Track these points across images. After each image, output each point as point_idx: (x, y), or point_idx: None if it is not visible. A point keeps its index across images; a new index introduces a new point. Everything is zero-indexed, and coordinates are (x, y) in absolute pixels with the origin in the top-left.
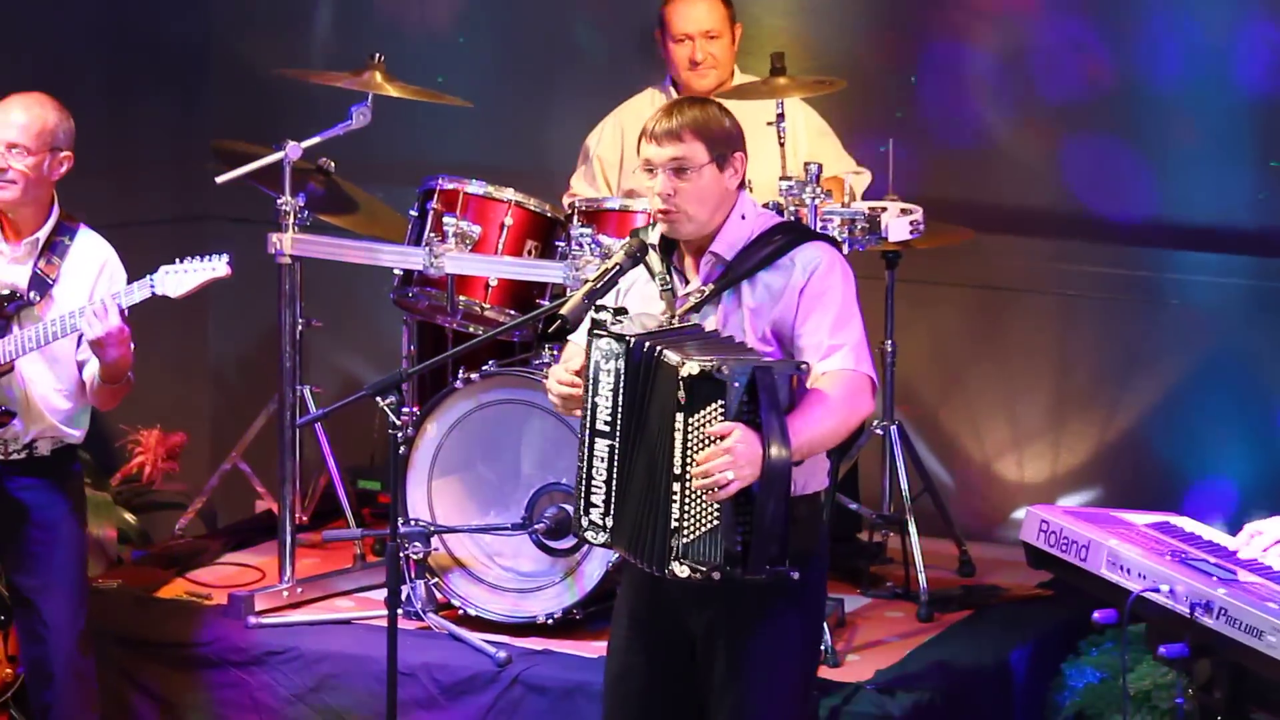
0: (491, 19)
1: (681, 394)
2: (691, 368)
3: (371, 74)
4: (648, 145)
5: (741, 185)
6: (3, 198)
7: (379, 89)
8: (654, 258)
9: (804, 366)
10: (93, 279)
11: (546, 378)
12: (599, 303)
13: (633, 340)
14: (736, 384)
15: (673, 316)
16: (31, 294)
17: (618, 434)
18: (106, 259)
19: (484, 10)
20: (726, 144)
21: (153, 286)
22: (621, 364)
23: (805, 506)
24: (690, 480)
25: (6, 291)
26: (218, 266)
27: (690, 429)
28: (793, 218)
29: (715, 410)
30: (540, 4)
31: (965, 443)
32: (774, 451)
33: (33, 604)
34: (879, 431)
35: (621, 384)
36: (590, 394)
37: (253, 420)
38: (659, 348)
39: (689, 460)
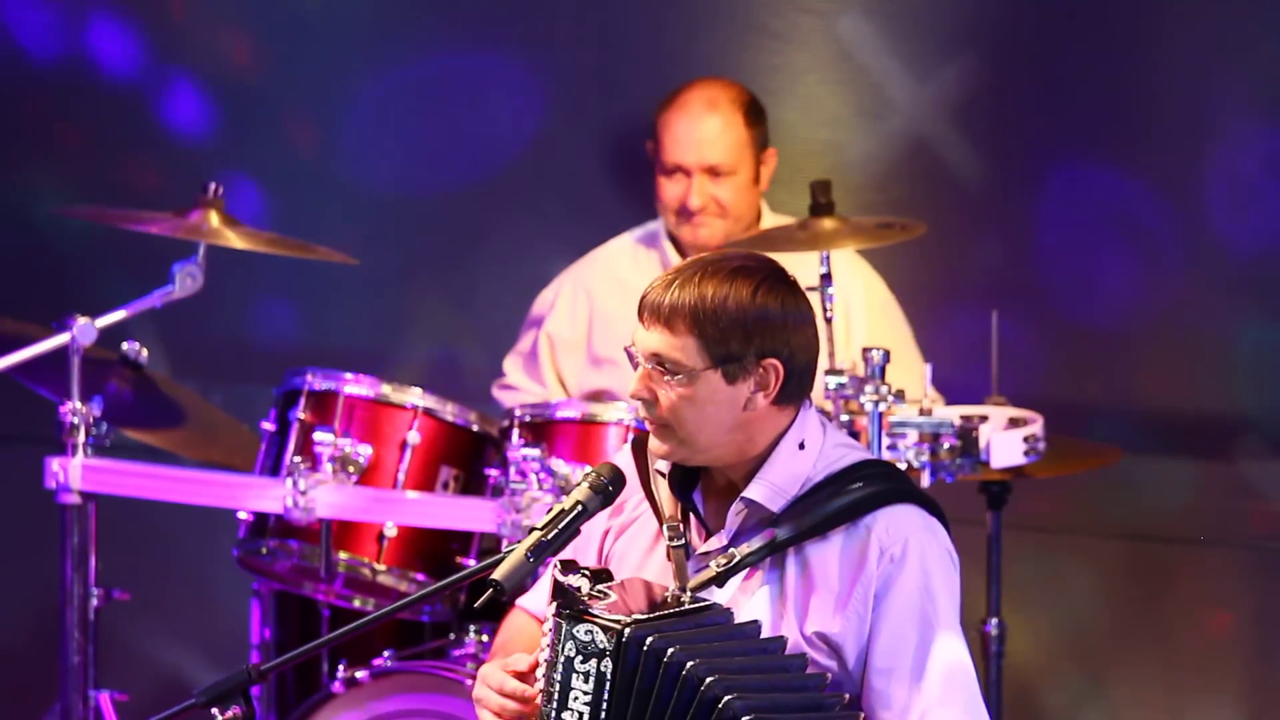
0: (391, 133)
1: None
2: None
3: (204, 215)
4: (638, 321)
5: (798, 398)
6: None
7: (215, 238)
8: (664, 490)
9: None
10: None
11: (473, 678)
12: (563, 559)
13: (629, 632)
14: None
15: (681, 590)
16: None
17: None
18: None
19: (379, 120)
20: (743, 342)
21: None
22: (609, 666)
23: None
24: None
25: None
26: None
27: None
28: (844, 429)
29: None
30: (468, 111)
31: None
32: None
33: None
34: None
35: (608, 696)
36: (554, 704)
37: None
38: (700, 670)
39: None
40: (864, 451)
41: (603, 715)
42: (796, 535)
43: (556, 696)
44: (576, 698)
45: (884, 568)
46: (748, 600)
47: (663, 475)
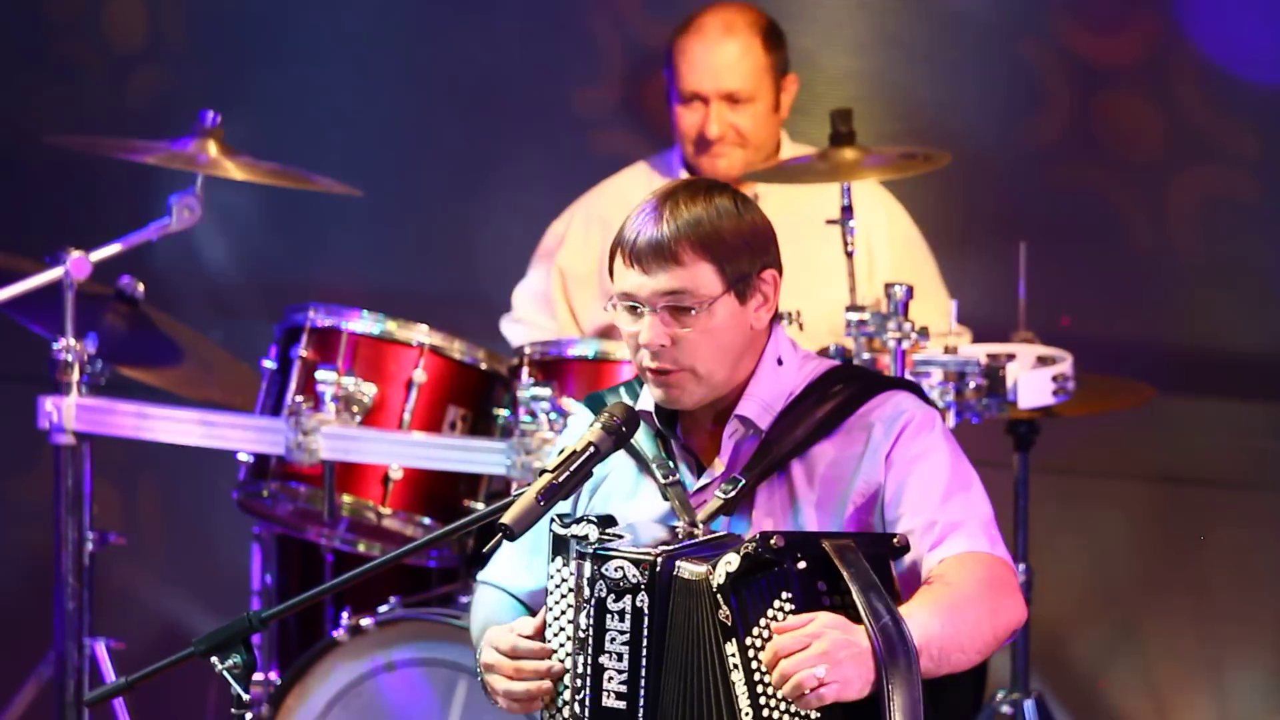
0: (395, 58)
1: (725, 613)
2: (726, 564)
3: (202, 144)
4: (626, 269)
5: (776, 317)
6: None
7: (214, 169)
8: (642, 432)
9: (899, 540)
10: None
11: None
12: (558, 513)
13: (661, 560)
14: (801, 564)
15: (691, 524)
16: None
17: (640, 711)
18: None
19: (382, 45)
20: (750, 257)
21: None
22: (645, 600)
23: None
24: None
25: None
26: None
27: (750, 653)
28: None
29: (780, 610)
30: (475, 34)
31: None
32: (886, 644)
33: None
34: (1006, 710)
35: (648, 631)
36: (588, 651)
37: (14, 692)
38: (675, 560)
39: (760, 701)
40: (832, 360)
41: (644, 652)
42: (795, 446)
43: (591, 643)
44: (613, 639)
45: (891, 435)
46: (760, 519)
47: (644, 417)
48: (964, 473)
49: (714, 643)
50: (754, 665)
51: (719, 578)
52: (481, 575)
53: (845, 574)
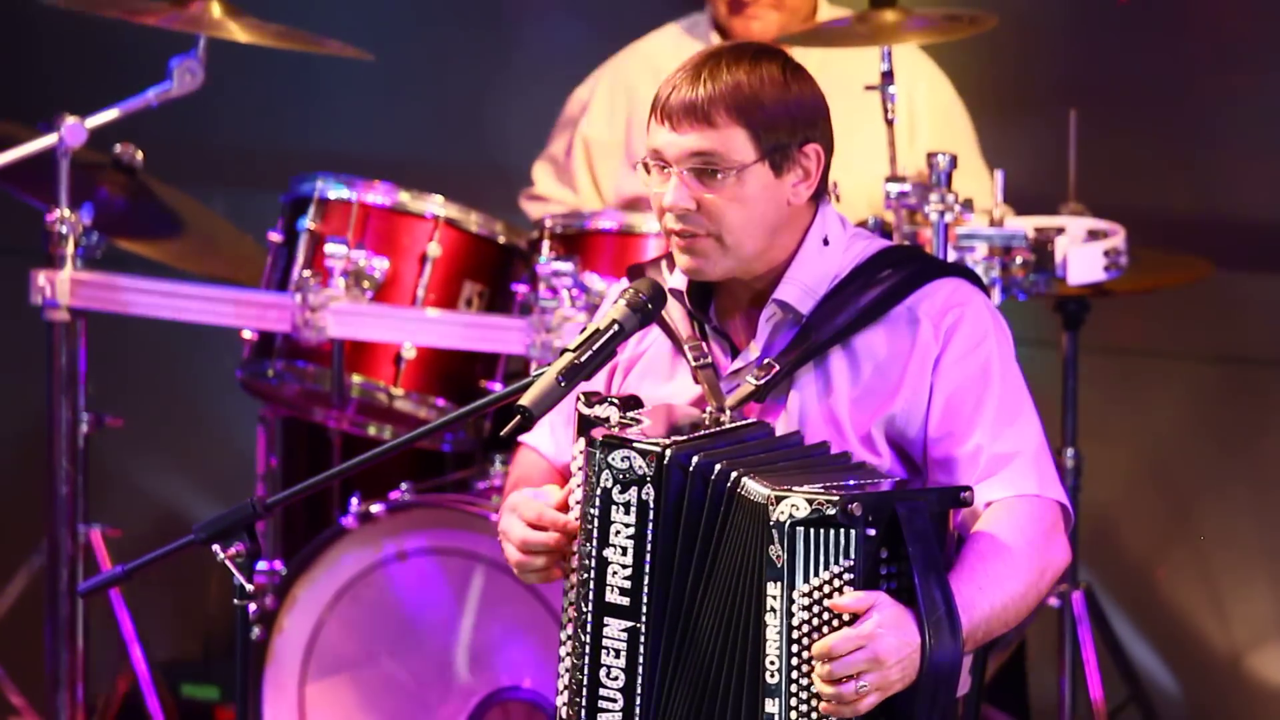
0: None
1: (777, 550)
2: (792, 506)
3: (205, 5)
4: (658, 126)
5: (821, 193)
6: None
7: (217, 30)
8: (677, 312)
9: (967, 495)
10: None
11: (497, 511)
12: (585, 391)
13: (670, 452)
14: (871, 530)
15: (719, 410)
16: None
17: (644, 610)
18: None
19: None
20: (790, 129)
21: None
22: (652, 493)
23: None
24: (795, 696)
25: None
26: None
27: (794, 608)
28: (907, 241)
29: (837, 576)
30: None
31: (1199, 620)
32: (936, 641)
33: None
34: (1054, 602)
35: (653, 526)
36: (594, 542)
37: (5, 583)
38: (734, 472)
39: (793, 661)
40: (884, 240)
41: (648, 547)
42: (835, 334)
43: (596, 534)
44: (618, 531)
45: (940, 337)
46: (794, 409)
47: (674, 295)
48: (1015, 392)
49: (759, 574)
50: (793, 621)
51: (780, 514)
52: (523, 435)
53: (910, 550)
